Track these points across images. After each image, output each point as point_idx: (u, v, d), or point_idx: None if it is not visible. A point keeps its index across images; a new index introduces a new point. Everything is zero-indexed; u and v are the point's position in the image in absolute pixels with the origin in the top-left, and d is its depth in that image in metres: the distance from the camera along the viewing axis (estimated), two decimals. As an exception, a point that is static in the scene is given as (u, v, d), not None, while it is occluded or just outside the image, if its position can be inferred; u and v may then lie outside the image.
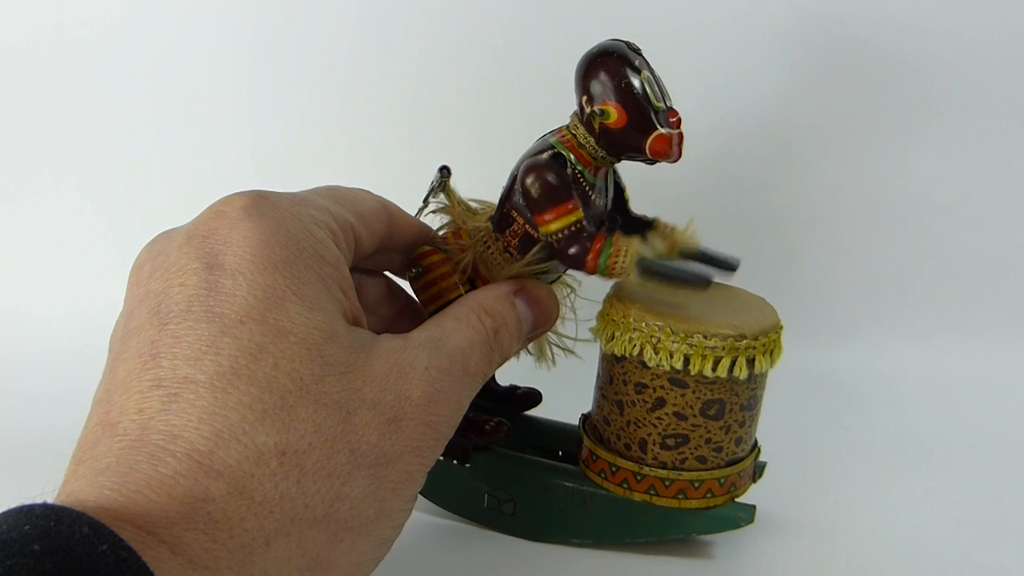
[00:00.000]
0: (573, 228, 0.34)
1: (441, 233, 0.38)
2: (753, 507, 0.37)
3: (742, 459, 0.37)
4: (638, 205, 0.39)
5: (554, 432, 0.42)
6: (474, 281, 0.37)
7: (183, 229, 0.29)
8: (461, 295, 0.36)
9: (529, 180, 0.34)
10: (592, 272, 0.34)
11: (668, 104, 0.34)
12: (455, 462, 0.39)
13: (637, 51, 0.35)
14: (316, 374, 0.27)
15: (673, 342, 0.34)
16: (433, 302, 0.36)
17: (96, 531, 0.21)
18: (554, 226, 0.34)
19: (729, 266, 0.38)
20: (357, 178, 0.57)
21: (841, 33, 0.57)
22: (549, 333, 0.40)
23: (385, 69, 0.58)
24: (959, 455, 0.49)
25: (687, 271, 0.35)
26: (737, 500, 0.37)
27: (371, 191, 0.37)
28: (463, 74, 0.57)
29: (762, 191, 0.59)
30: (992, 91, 0.58)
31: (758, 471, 0.39)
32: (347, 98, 0.59)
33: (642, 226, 0.38)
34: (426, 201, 0.38)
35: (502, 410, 0.42)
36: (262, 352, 0.26)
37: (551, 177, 0.34)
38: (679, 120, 0.34)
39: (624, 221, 0.38)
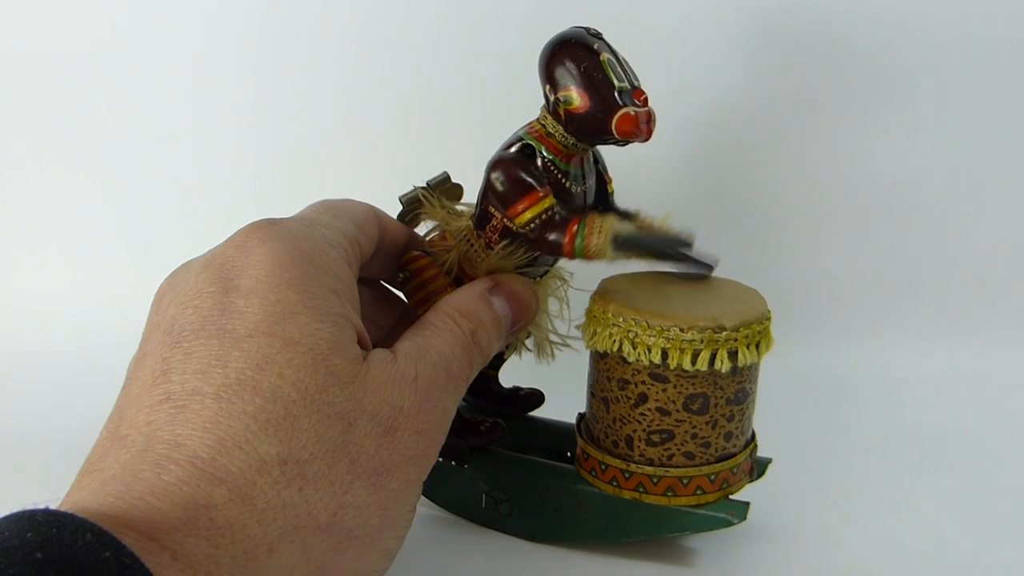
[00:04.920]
0: (546, 215, 0.34)
1: (428, 237, 0.39)
2: (746, 504, 0.36)
3: (734, 455, 0.36)
4: (626, 200, 0.39)
5: (559, 433, 0.42)
6: (461, 280, 0.37)
7: (201, 259, 0.30)
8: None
9: (495, 175, 0.35)
10: (571, 256, 0.34)
11: (634, 84, 0.34)
12: (453, 463, 0.39)
13: (597, 35, 0.35)
14: (320, 384, 0.27)
15: (650, 336, 0.34)
16: (423, 304, 0.37)
17: (99, 538, 0.21)
18: (527, 216, 0.34)
19: (705, 266, 0.37)
20: (359, 180, 0.59)
21: (828, 16, 0.55)
22: (548, 329, 0.40)
23: (387, 71, 0.59)
24: (959, 455, 0.47)
25: (663, 240, 0.35)
26: (731, 497, 0.36)
27: (356, 199, 0.37)
28: (465, 77, 0.58)
29: (758, 192, 0.58)
30: (1001, 89, 0.56)
31: (758, 468, 0.38)
32: (349, 100, 0.60)
33: (624, 219, 0.38)
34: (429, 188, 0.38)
35: (505, 412, 0.42)
36: (268, 363, 0.27)
37: (516, 169, 0.34)
38: (646, 99, 0.34)
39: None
